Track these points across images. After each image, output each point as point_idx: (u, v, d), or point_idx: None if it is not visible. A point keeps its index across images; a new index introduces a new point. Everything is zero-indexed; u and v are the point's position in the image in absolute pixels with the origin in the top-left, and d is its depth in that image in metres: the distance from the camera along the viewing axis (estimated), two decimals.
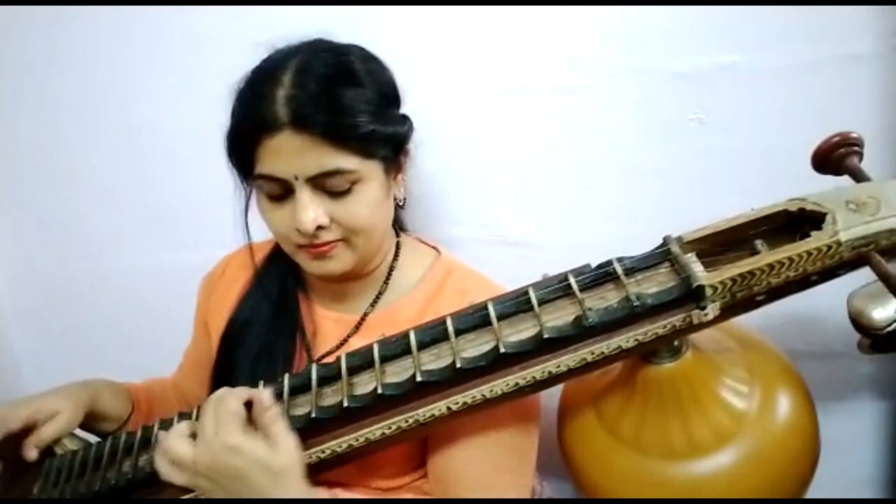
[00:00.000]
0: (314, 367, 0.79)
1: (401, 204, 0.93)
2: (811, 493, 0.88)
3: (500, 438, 0.84)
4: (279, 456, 0.72)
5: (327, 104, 0.79)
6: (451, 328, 0.76)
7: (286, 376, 0.80)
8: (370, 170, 0.83)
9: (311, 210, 0.81)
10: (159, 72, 1.24)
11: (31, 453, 0.90)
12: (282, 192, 0.83)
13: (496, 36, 1.12)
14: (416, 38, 1.13)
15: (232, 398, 0.74)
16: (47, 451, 0.93)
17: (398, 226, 1.00)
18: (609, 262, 0.75)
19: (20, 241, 1.41)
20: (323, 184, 0.82)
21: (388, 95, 0.87)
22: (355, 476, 0.88)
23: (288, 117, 0.79)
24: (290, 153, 0.80)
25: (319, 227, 0.83)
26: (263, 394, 0.75)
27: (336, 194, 0.82)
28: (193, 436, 0.74)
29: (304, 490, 0.73)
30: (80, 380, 0.99)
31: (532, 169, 1.16)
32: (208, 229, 1.28)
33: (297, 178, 0.81)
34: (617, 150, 1.13)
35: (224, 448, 0.71)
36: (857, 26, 1.02)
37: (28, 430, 0.91)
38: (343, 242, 0.86)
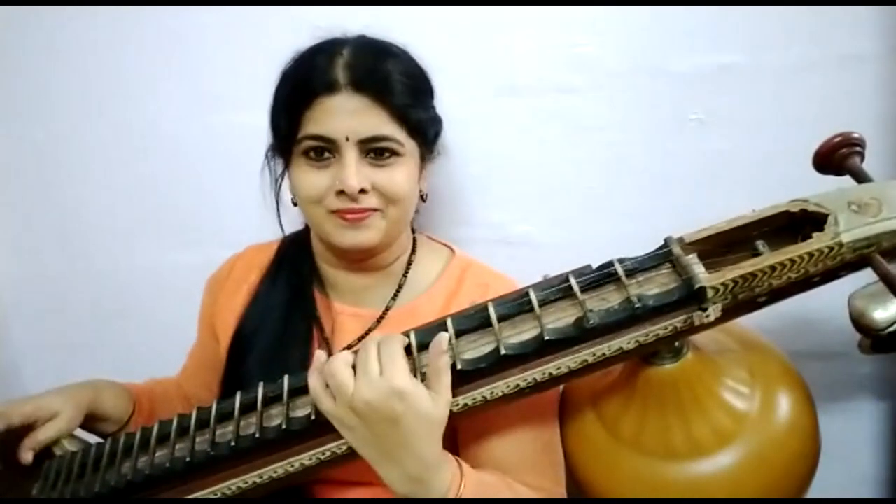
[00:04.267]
0: None
1: (424, 198, 0.96)
2: (811, 493, 0.88)
3: (536, 426, 0.88)
4: (438, 409, 0.72)
5: (382, 76, 0.85)
6: (451, 329, 0.75)
7: (285, 378, 0.80)
8: (410, 147, 0.88)
9: (358, 170, 0.85)
10: (161, 72, 1.23)
11: (27, 456, 0.90)
12: (326, 154, 0.86)
13: (496, 36, 1.12)
14: (416, 39, 1.13)
15: (397, 342, 0.74)
16: (46, 453, 0.92)
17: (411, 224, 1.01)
18: (610, 264, 0.75)
19: (21, 241, 1.40)
20: (369, 148, 0.86)
21: (427, 86, 0.93)
22: (369, 472, 0.88)
23: (347, 79, 0.84)
24: (345, 114, 0.84)
25: (362, 192, 0.86)
26: (442, 338, 0.74)
27: (379, 162, 0.87)
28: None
29: (439, 449, 0.74)
30: (80, 381, 0.99)
31: (532, 169, 1.16)
32: (209, 229, 1.28)
33: (347, 139, 0.85)
34: (617, 150, 1.13)
35: (389, 389, 0.70)
36: (857, 26, 1.02)
37: (27, 428, 0.91)
38: (379, 212, 0.88)
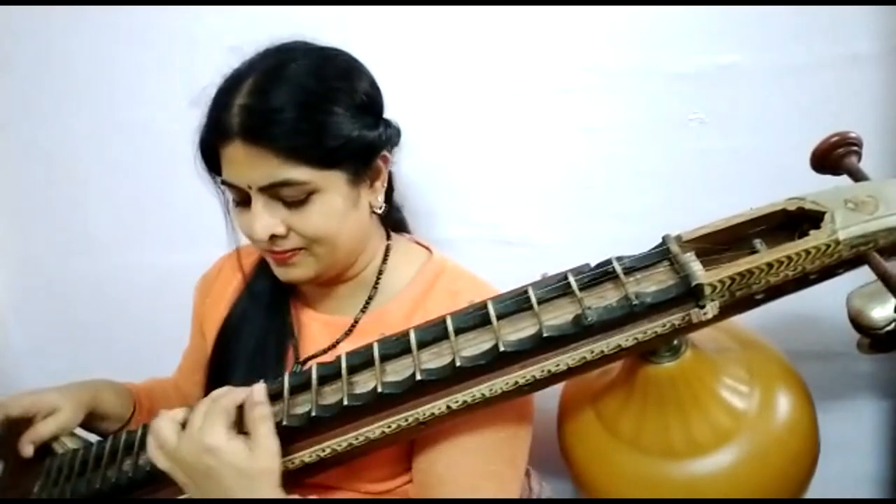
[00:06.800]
0: (315, 367, 0.79)
1: (378, 211, 0.90)
2: (811, 493, 0.88)
3: (486, 444, 0.83)
4: (257, 461, 0.72)
5: (281, 115, 0.78)
6: (450, 327, 0.76)
7: (286, 375, 0.81)
8: (328, 180, 0.82)
9: (264, 219, 0.82)
10: (160, 71, 1.24)
11: (27, 449, 0.91)
12: (243, 197, 0.83)
13: (497, 36, 1.12)
14: (417, 39, 1.14)
15: (227, 397, 0.75)
16: (47, 451, 0.93)
17: (394, 227, 0.99)
18: (608, 262, 0.75)
19: (21, 241, 1.41)
20: (277, 193, 0.81)
21: (358, 103, 0.84)
22: (344, 479, 0.88)
23: (238, 127, 0.79)
24: (240, 163, 0.80)
25: (276, 236, 0.83)
26: (256, 390, 0.75)
27: (292, 204, 0.82)
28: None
29: (274, 494, 0.73)
30: (81, 380, 0.99)
31: (532, 169, 1.16)
32: (209, 229, 1.27)
33: (250, 188, 0.81)
34: (617, 150, 1.13)
35: (202, 446, 0.72)
36: (857, 26, 1.02)
37: (27, 426, 0.91)
38: (304, 251, 0.85)
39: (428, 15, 1.12)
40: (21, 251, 1.42)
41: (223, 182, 0.84)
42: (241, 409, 0.75)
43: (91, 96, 1.28)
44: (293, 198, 0.81)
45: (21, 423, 0.92)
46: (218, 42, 1.18)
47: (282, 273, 0.88)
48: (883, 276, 0.67)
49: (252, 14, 1.17)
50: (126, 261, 1.37)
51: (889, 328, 0.69)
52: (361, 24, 1.12)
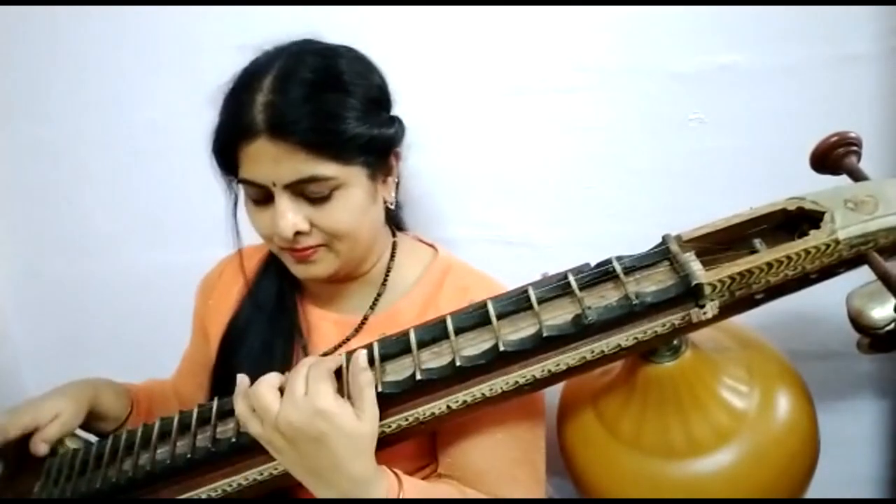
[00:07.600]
0: None
1: (391, 206, 0.92)
2: (811, 493, 0.88)
3: (513, 433, 0.85)
4: (364, 425, 0.72)
5: (306, 111, 0.79)
6: (450, 326, 0.76)
7: (286, 375, 0.81)
8: (351, 175, 0.83)
9: (289, 216, 0.82)
10: (160, 72, 1.24)
11: (41, 448, 0.90)
12: (264, 196, 0.83)
13: (497, 36, 1.12)
14: (418, 38, 1.14)
15: (325, 364, 0.75)
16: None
17: (395, 226, 1.00)
18: (608, 261, 0.75)
19: (21, 241, 1.41)
20: (301, 190, 0.81)
21: (374, 99, 0.86)
22: None
23: (264, 124, 0.79)
24: (266, 160, 0.80)
25: (299, 233, 0.83)
26: (360, 355, 0.75)
27: (316, 200, 0.82)
28: (280, 392, 0.74)
29: (372, 464, 0.74)
30: (80, 379, 0.99)
31: (532, 169, 1.16)
32: (209, 229, 1.27)
33: (274, 185, 0.81)
34: (617, 150, 1.13)
35: (312, 410, 0.71)
36: (857, 26, 1.02)
37: (28, 434, 0.91)
38: (325, 247, 0.86)
39: (428, 15, 1.12)
40: (21, 251, 1.42)
41: (241, 181, 0.84)
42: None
43: (91, 96, 1.28)
44: (317, 194, 0.82)
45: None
46: (223, 42, 1.18)
47: (301, 271, 0.88)
48: (883, 276, 0.68)
49: (258, 14, 1.17)
50: (126, 261, 1.37)
51: (889, 328, 0.70)
52: (361, 25, 1.12)
